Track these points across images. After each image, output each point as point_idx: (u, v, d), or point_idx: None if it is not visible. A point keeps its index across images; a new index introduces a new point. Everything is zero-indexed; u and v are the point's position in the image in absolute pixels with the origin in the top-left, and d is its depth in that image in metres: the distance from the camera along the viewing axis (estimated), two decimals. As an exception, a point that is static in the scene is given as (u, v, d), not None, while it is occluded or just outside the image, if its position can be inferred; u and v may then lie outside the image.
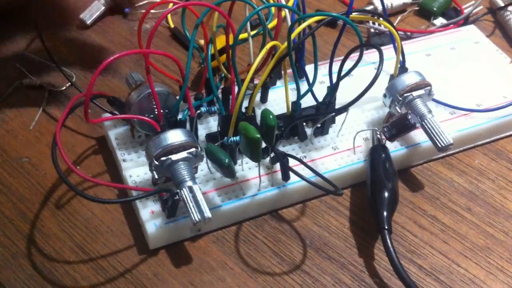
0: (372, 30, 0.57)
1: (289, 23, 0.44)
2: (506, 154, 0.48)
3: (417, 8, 0.61)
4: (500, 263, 0.41)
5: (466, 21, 0.59)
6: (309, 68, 0.46)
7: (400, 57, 0.46)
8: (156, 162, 0.38)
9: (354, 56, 0.42)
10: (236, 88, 0.42)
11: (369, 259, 0.41)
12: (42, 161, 0.45)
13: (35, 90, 0.51)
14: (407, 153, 0.45)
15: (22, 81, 0.51)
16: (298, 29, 0.41)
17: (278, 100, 0.48)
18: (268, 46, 0.40)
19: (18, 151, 0.46)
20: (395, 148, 0.45)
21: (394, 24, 0.58)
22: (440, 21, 0.59)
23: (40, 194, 0.43)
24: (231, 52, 0.41)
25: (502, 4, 0.60)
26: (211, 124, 0.46)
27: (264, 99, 0.48)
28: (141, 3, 0.59)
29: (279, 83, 0.49)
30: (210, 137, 0.44)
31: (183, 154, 0.39)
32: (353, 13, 0.52)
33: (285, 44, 0.40)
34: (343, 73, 0.42)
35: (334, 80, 0.43)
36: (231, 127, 0.40)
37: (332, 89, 0.43)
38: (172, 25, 0.57)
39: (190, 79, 0.52)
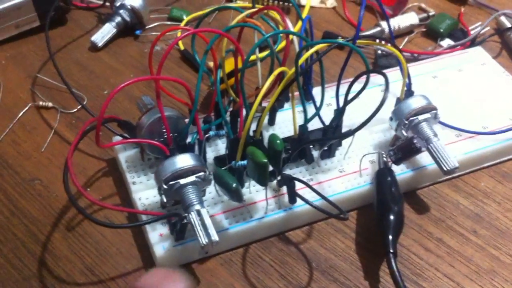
0: (379, 52, 0.57)
1: (297, 47, 0.45)
2: (513, 176, 0.48)
3: (424, 30, 0.61)
4: (505, 287, 0.41)
5: (473, 42, 0.59)
6: (317, 91, 0.47)
7: (407, 80, 0.47)
8: (165, 186, 0.39)
9: (362, 78, 0.43)
10: (244, 111, 0.42)
11: (374, 282, 0.41)
12: (53, 183, 0.46)
13: (47, 112, 0.52)
14: (413, 176, 0.46)
15: (35, 103, 0.52)
16: (305, 56, 0.42)
17: (286, 122, 0.49)
18: (276, 72, 0.41)
19: (30, 172, 0.47)
20: (401, 171, 0.45)
21: (401, 45, 0.59)
22: (447, 42, 0.59)
23: (52, 216, 0.44)
24: (239, 76, 0.42)
25: (509, 25, 0.60)
26: (220, 146, 0.47)
27: (272, 122, 0.48)
28: (152, 25, 0.60)
29: (286, 105, 0.50)
30: (218, 160, 0.45)
31: (192, 178, 0.39)
32: (362, 39, 0.53)
33: (293, 69, 0.41)
34: (350, 96, 0.43)
35: (341, 103, 0.44)
36: (239, 151, 0.41)
37: (339, 113, 0.44)
38: (182, 47, 0.58)
39: (200, 101, 0.52)
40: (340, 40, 0.41)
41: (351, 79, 0.43)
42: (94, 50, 0.58)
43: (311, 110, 0.45)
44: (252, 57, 0.49)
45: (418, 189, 0.47)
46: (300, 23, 0.48)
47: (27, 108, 0.52)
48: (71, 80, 0.54)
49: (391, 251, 0.40)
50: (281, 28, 0.46)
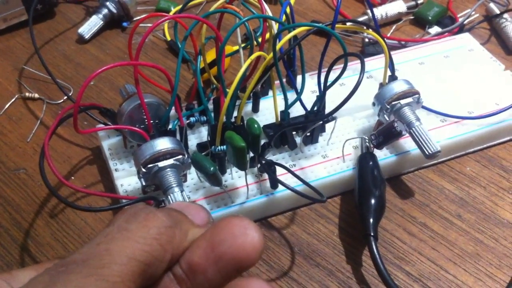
0: (367, 40, 0.57)
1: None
2: (499, 161, 0.48)
3: (412, 17, 0.61)
4: (489, 270, 0.41)
5: (461, 29, 0.59)
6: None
7: (390, 65, 0.47)
8: (144, 169, 0.39)
9: (355, 64, 0.42)
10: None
11: (356, 266, 0.41)
12: (38, 172, 0.45)
13: (33, 103, 0.52)
14: (396, 161, 0.46)
15: (21, 95, 0.52)
16: (284, 40, 0.41)
17: (271, 109, 0.48)
18: (253, 56, 0.41)
19: (15, 162, 0.47)
20: (384, 156, 0.45)
21: (389, 33, 0.59)
22: (435, 29, 0.59)
23: (35, 204, 0.44)
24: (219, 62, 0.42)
25: (498, 12, 0.60)
26: (203, 134, 0.47)
27: (255, 109, 0.48)
28: (139, 17, 0.60)
29: (271, 92, 0.50)
30: (201, 146, 0.45)
31: (170, 161, 0.39)
32: (348, 23, 0.52)
33: (271, 54, 0.41)
34: (334, 83, 0.43)
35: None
36: (218, 136, 0.41)
37: (320, 97, 0.44)
38: (168, 38, 0.58)
39: (185, 90, 0.52)
40: (317, 24, 0.41)
41: (334, 66, 0.43)
42: (81, 42, 0.58)
43: (294, 97, 0.45)
44: (236, 47, 0.49)
45: (403, 174, 0.47)
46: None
47: (13, 99, 0.52)
48: (58, 72, 0.54)
49: (372, 234, 0.39)
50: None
